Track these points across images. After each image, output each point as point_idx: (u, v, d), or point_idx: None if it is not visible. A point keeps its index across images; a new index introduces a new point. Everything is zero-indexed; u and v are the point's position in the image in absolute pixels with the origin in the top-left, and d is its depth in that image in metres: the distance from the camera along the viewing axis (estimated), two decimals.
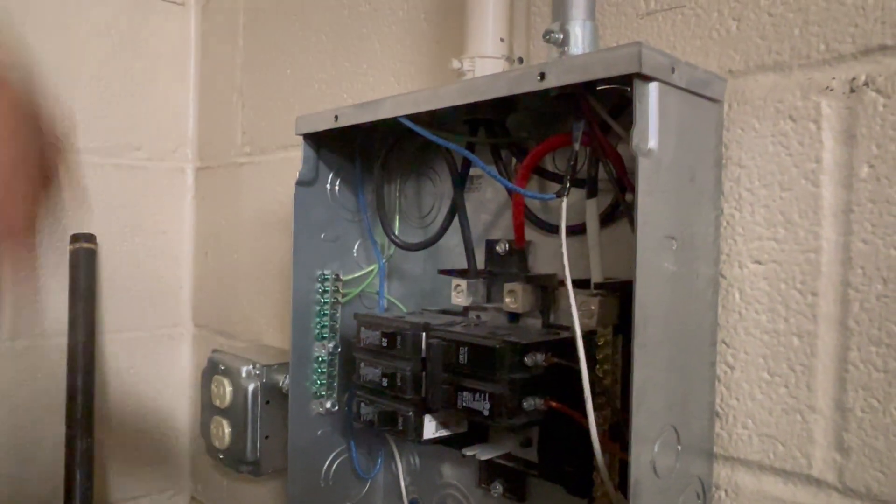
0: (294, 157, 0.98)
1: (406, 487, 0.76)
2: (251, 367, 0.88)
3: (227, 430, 0.89)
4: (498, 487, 0.65)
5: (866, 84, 0.45)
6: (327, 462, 0.74)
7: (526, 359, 0.53)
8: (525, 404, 0.53)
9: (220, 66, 1.16)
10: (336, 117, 0.65)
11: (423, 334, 0.59)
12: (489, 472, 0.66)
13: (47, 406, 1.06)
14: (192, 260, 1.22)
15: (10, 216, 0.39)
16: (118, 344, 1.14)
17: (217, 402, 0.90)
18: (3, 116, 0.40)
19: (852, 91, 0.46)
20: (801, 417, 0.48)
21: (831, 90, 0.47)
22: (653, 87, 0.43)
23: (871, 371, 0.45)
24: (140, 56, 1.16)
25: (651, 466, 0.45)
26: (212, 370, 0.93)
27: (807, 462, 0.48)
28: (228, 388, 0.89)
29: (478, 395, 0.54)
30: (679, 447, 0.47)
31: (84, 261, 1.05)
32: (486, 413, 0.54)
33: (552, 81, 0.47)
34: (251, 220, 1.08)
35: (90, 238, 1.07)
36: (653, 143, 0.43)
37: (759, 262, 0.50)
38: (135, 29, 1.16)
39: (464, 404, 0.55)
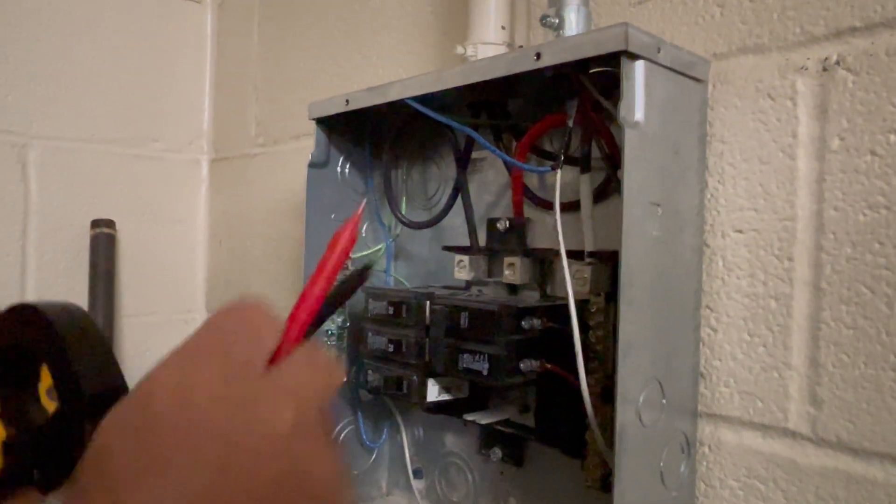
0: (305, 147, 1.02)
1: (410, 457, 0.79)
2: None
3: None
4: (497, 453, 0.69)
5: (837, 63, 0.49)
6: (335, 432, 0.77)
7: (523, 322, 0.57)
8: (522, 365, 0.57)
9: (235, 61, 1.21)
10: (347, 101, 0.69)
11: (427, 302, 0.63)
12: (488, 438, 0.70)
13: None
14: (207, 248, 1.27)
15: None
16: (135, 327, 1.19)
17: None
18: None
19: (825, 70, 0.49)
20: (778, 374, 0.51)
21: (806, 69, 0.50)
22: (639, 65, 0.47)
23: (842, 328, 0.48)
24: (160, 52, 1.21)
25: (636, 416, 0.48)
26: None
27: (783, 416, 0.51)
28: None
29: (478, 356, 0.58)
30: (664, 401, 0.51)
31: (104, 246, 1.10)
32: (485, 373, 0.57)
33: (547, 60, 0.51)
34: (264, 209, 1.12)
35: (110, 224, 1.11)
36: (639, 115, 0.47)
37: (740, 231, 0.54)
38: (155, 27, 1.21)
39: (464, 366, 0.59)
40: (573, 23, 0.55)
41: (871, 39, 0.47)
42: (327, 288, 0.34)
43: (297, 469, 0.27)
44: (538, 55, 0.51)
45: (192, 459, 0.25)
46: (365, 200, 0.37)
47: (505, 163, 0.66)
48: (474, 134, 0.60)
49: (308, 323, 0.33)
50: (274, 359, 0.31)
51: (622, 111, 0.47)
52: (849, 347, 0.48)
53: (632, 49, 0.46)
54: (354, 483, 0.78)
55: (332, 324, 0.75)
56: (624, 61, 0.47)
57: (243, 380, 0.28)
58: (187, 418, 0.26)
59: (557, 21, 0.55)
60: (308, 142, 1.01)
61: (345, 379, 0.32)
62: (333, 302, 0.35)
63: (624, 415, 0.47)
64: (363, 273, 0.37)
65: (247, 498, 0.26)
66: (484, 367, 0.57)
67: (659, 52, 0.49)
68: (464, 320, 0.59)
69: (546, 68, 0.51)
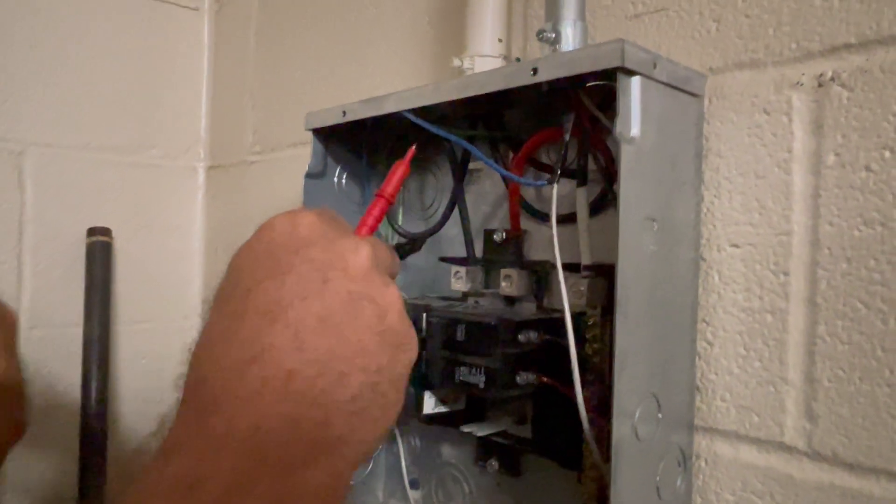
0: (302, 155, 1.02)
1: (407, 468, 0.79)
2: None
3: None
4: (493, 464, 0.69)
5: (832, 79, 0.49)
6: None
7: (520, 335, 0.57)
8: (518, 378, 0.57)
9: (232, 69, 1.21)
10: (344, 112, 0.69)
11: (424, 314, 0.63)
12: (485, 449, 0.70)
13: (63, 393, 1.10)
14: (203, 256, 1.27)
15: None
16: (131, 335, 1.18)
17: None
18: None
19: (820, 86, 0.50)
20: (774, 389, 0.51)
21: (801, 85, 0.51)
22: (635, 81, 0.47)
23: (837, 343, 0.48)
24: (156, 59, 1.21)
25: (632, 430, 0.48)
26: None
27: (779, 430, 0.51)
28: None
29: (474, 369, 0.58)
30: (660, 416, 0.51)
31: (100, 253, 1.09)
32: (481, 386, 0.57)
33: (544, 76, 0.51)
34: (261, 216, 1.11)
35: (106, 231, 1.11)
36: (635, 130, 0.47)
37: (736, 246, 0.54)
38: (151, 34, 1.21)
39: (461, 378, 0.59)
40: (570, 37, 0.55)
41: (865, 56, 0.47)
42: (387, 205, 0.44)
43: (372, 293, 0.35)
44: (535, 70, 0.51)
45: (305, 269, 0.34)
46: (415, 145, 0.45)
47: (502, 176, 0.66)
48: (471, 148, 0.60)
49: (374, 227, 0.44)
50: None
51: (618, 127, 0.47)
52: (844, 363, 0.48)
53: (628, 65, 0.47)
54: (351, 492, 0.78)
55: None
56: (620, 77, 0.47)
57: (337, 229, 0.37)
58: (296, 245, 0.35)
59: (554, 35, 0.55)
60: (304, 150, 1.01)
61: (399, 270, 0.43)
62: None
63: (620, 429, 0.47)
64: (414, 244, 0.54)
65: (338, 302, 0.33)
66: (480, 380, 0.57)
67: (655, 67, 0.49)
68: (460, 333, 0.59)
69: (542, 83, 0.51)
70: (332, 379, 0.32)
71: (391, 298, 0.35)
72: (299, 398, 0.31)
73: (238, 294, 0.34)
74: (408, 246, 0.51)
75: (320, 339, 0.32)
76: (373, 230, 0.43)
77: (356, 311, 0.34)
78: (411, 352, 0.36)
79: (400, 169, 0.45)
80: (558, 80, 0.51)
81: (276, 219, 0.37)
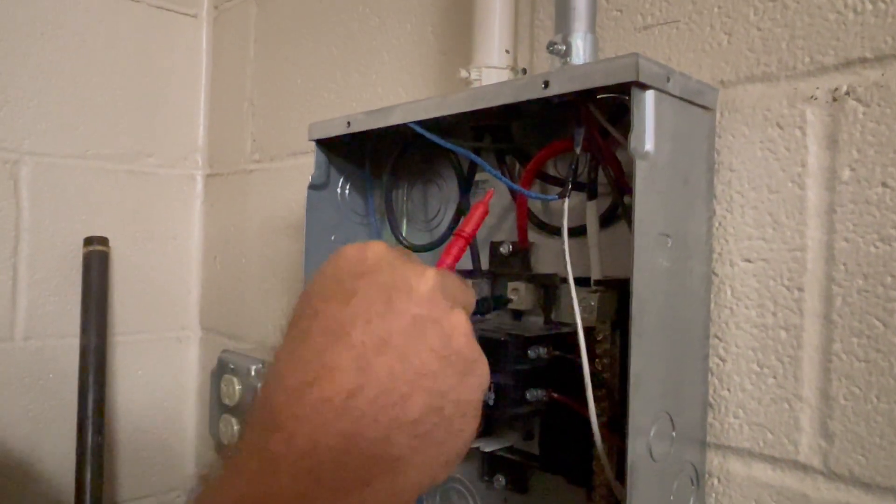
0: (302, 165, 1.01)
1: None
2: (260, 365, 0.90)
3: (236, 427, 0.92)
4: (500, 480, 0.68)
5: (847, 93, 0.48)
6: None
7: (529, 351, 0.56)
8: (528, 395, 0.56)
9: (231, 76, 1.20)
10: (349, 123, 0.68)
11: None
12: (492, 465, 0.69)
13: (59, 405, 1.09)
14: (202, 265, 1.25)
15: None
16: (128, 346, 1.17)
17: (226, 401, 0.93)
18: None
19: (834, 100, 0.49)
20: (789, 406, 0.51)
21: (815, 99, 0.50)
22: (649, 95, 0.47)
23: (853, 361, 0.48)
24: (154, 66, 1.20)
25: (647, 450, 0.47)
26: (221, 370, 0.95)
27: (794, 448, 0.50)
28: (238, 387, 0.91)
29: None
30: (674, 434, 0.50)
31: (97, 263, 1.08)
32: (490, 403, 0.56)
33: (555, 89, 0.50)
34: (260, 226, 1.11)
35: (103, 241, 1.10)
36: (649, 146, 0.47)
37: (748, 261, 0.53)
38: (149, 40, 1.19)
39: None
40: (580, 50, 0.55)
41: (881, 71, 0.47)
42: (465, 245, 0.44)
43: (435, 315, 0.35)
44: (546, 83, 0.50)
45: (359, 295, 0.35)
46: (491, 190, 0.45)
47: (510, 190, 0.65)
48: (479, 160, 0.59)
49: (454, 264, 0.44)
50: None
51: (633, 142, 0.46)
52: (861, 381, 0.47)
53: (642, 79, 0.46)
54: None
55: None
56: (634, 92, 0.47)
57: (404, 255, 0.38)
58: (361, 270, 0.36)
59: (564, 48, 0.54)
60: (305, 159, 1.00)
61: (474, 306, 0.41)
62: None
63: (635, 450, 0.46)
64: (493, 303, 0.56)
65: (399, 326, 0.34)
66: (490, 397, 0.56)
67: (668, 81, 0.48)
68: None
69: (553, 97, 0.51)
70: (393, 399, 0.32)
71: (457, 322, 0.35)
72: (358, 417, 0.31)
73: (305, 317, 0.35)
74: (486, 303, 0.55)
75: (382, 359, 0.32)
76: (451, 268, 0.43)
77: (420, 334, 0.34)
78: (481, 377, 0.36)
79: (479, 209, 0.45)
80: (570, 93, 0.50)
81: (347, 247, 0.38)
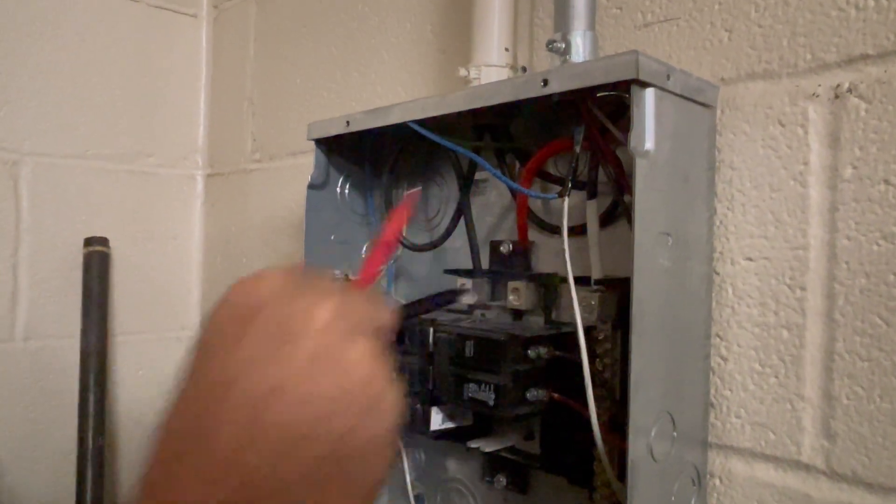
0: (303, 164, 1.01)
1: (411, 483, 0.78)
2: None
3: None
4: (501, 480, 0.68)
5: (849, 91, 0.48)
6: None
7: (529, 351, 0.56)
8: (528, 395, 0.56)
9: (231, 76, 1.20)
10: (348, 123, 0.68)
11: (431, 329, 0.62)
12: (492, 465, 0.69)
13: (60, 405, 1.08)
14: (202, 264, 1.25)
15: None
16: (129, 346, 1.17)
17: None
18: None
19: (836, 97, 0.49)
20: (791, 406, 0.50)
21: (817, 97, 0.50)
22: (649, 93, 0.46)
23: (856, 360, 0.47)
24: (153, 66, 1.20)
25: (648, 450, 0.47)
26: None
27: (796, 448, 0.50)
28: None
29: (483, 386, 0.57)
30: (675, 434, 0.50)
31: (97, 264, 1.08)
32: (491, 403, 0.56)
33: (555, 87, 0.50)
34: (260, 225, 1.11)
35: (103, 241, 1.10)
36: (649, 144, 0.46)
37: (750, 259, 0.53)
38: (148, 39, 1.19)
39: (470, 395, 0.58)
40: (580, 47, 0.54)
41: (884, 67, 0.46)
42: (386, 255, 0.42)
43: (333, 350, 0.32)
44: (545, 82, 0.50)
45: (248, 337, 0.32)
46: (420, 188, 0.42)
47: (511, 190, 0.65)
48: (479, 159, 0.59)
49: (371, 281, 0.41)
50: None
51: (633, 141, 0.46)
52: (863, 380, 0.47)
53: (642, 77, 0.46)
54: None
55: None
56: (634, 89, 0.46)
57: (302, 284, 0.34)
58: (251, 305, 0.33)
59: (564, 46, 0.54)
60: (305, 159, 1.00)
61: (393, 323, 0.38)
62: (415, 309, 0.45)
63: (636, 450, 0.46)
64: (451, 295, 0.48)
65: (293, 367, 0.31)
66: (490, 398, 0.56)
67: (669, 79, 0.48)
68: (469, 349, 0.58)
69: (553, 95, 0.50)
70: (288, 448, 0.30)
71: (358, 354, 0.33)
72: (250, 470, 0.29)
73: (196, 368, 0.33)
74: (413, 308, 0.48)
75: (274, 408, 0.30)
76: (373, 278, 0.41)
77: (316, 374, 0.31)
78: (388, 410, 0.33)
79: (400, 214, 0.44)
80: (569, 91, 0.50)
81: (239, 283, 0.35)
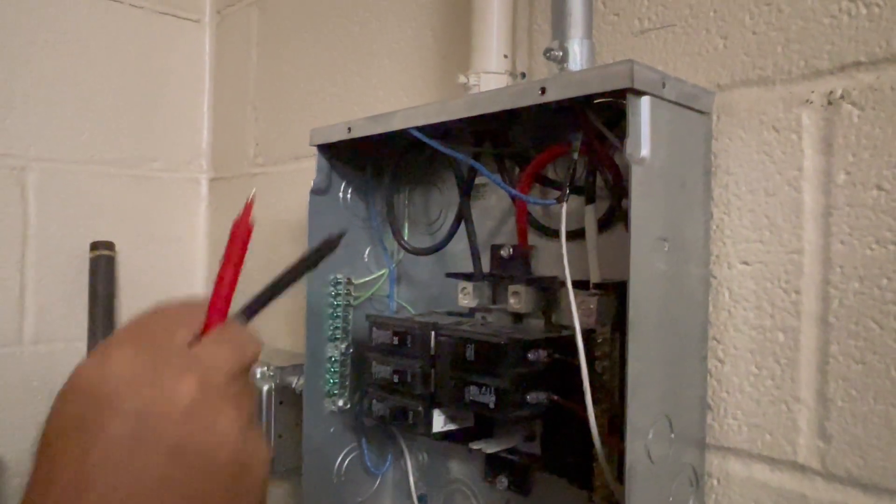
0: (305, 168, 1.02)
1: (415, 483, 0.79)
2: (265, 368, 0.91)
3: None
4: (503, 481, 0.69)
5: (842, 97, 0.49)
6: (339, 459, 0.77)
7: (529, 355, 0.57)
8: (529, 398, 0.57)
9: (234, 81, 1.21)
10: (349, 129, 0.68)
11: (432, 333, 0.63)
12: (494, 466, 0.70)
13: None
14: (207, 268, 1.26)
15: None
16: None
17: None
18: None
19: (830, 104, 0.49)
20: (787, 408, 0.51)
21: (811, 103, 0.50)
22: (644, 101, 0.47)
23: (850, 363, 0.48)
24: (157, 70, 1.21)
25: (646, 452, 0.48)
26: None
27: (792, 450, 0.51)
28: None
29: (484, 389, 0.58)
30: (672, 436, 0.51)
31: (103, 267, 1.09)
32: (492, 406, 0.57)
33: (552, 95, 0.50)
34: (264, 228, 1.12)
35: (109, 245, 1.11)
36: (645, 151, 0.47)
37: (746, 263, 0.53)
38: (152, 45, 1.20)
39: (471, 398, 0.58)
40: (577, 55, 0.55)
41: (876, 74, 0.47)
42: (235, 274, 0.39)
43: (200, 433, 0.30)
44: (543, 90, 0.51)
45: (113, 428, 0.29)
46: (254, 191, 0.38)
47: (510, 195, 0.66)
48: (479, 166, 0.60)
49: (223, 309, 0.38)
50: (197, 337, 0.35)
51: (628, 148, 0.47)
52: (857, 383, 0.48)
53: (637, 86, 0.46)
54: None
55: (336, 350, 0.75)
56: (630, 98, 0.47)
57: (154, 360, 0.31)
58: (106, 400, 0.29)
59: (561, 54, 0.55)
60: (308, 163, 1.01)
61: (258, 350, 0.37)
62: (298, 270, 0.44)
63: (633, 452, 0.47)
64: (333, 241, 0.46)
65: (153, 465, 0.29)
66: (491, 400, 0.57)
67: (664, 86, 0.49)
68: (470, 352, 0.59)
69: (550, 102, 0.51)
70: None
71: (223, 431, 0.31)
72: None
73: (43, 464, 0.29)
74: (325, 246, 0.46)
75: None
76: (225, 309, 0.38)
77: (180, 468, 0.29)
78: (258, 472, 0.32)
79: (239, 231, 0.40)
80: (566, 99, 0.50)
81: (81, 369, 0.31)
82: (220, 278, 0.39)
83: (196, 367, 0.32)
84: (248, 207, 0.41)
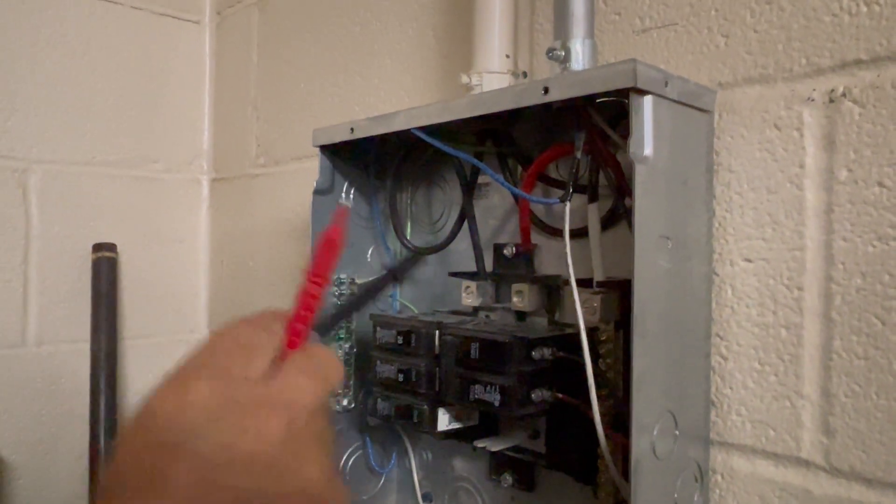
0: (307, 168, 1.02)
1: (419, 481, 0.79)
2: None
3: None
4: (507, 479, 0.69)
5: (844, 95, 0.49)
6: (344, 457, 0.77)
7: (533, 353, 0.57)
8: (533, 395, 0.57)
9: (235, 81, 1.21)
10: (352, 129, 0.69)
11: (437, 332, 0.63)
12: (499, 464, 0.70)
13: (71, 408, 1.10)
14: (209, 268, 1.27)
15: None
16: (138, 349, 1.18)
17: None
18: None
19: (831, 101, 0.50)
20: (790, 403, 0.51)
21: (812, 101, 0.51)
22: (647, 100, 0.48)
23: (853, 359, 0.49)
24: (157, 72, 1.21)
25: (651, 448, 0.48)
26: None
27: (796, 445, 0.51)
28: None
29: (489, 387, 0.58)
30: (677, 432, 0.51)
31: (106, 269, 1.09)
32: (496, 404, 0.57)
33: (555, 95, 0.51)
34: (265, 229, 1.12)
35: (111, 247, 1.11)
36: (648, 150, 0.47)
37: (749, 260, 0.54)
38: (152, 46, 1.21)
39: (476, 396, 0.59)
40: (579, 55, 0.55)
41: (877, 72, 0.47)
42: (321, 291, 0.35)
43: (286, 478, 0.28)
44: (546, 90, 0.51)
45: (187, 475, 0.26)
46: (343, 201, 0.37)
47: (513, 194, 0.66)
48: (481, 165, 0.60)
49: (305, 329, 0.34)
50: (276, 362, 0.32)
51: (632, 147, 0.47)
52: (860, 378, 0.48)
53: (640, 85, 0.47)
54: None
55: (340, 350, 0.75)
56: (633, 97, 0.47)
57: (236, 394, 0.29)
58: (184, 436, 0.27)
59: (563, 54, 0.55)
60: (310, 163, 1.01)
61: (341, 378, 0.34)
62: (357, 302, 0.37)
63: (638, 448, 0.47)
64: (392, 276, 0.42)
65: None
66: (496, 399, 0.57)
67: (667, 85, 0.49)
68: (474, 351, 0.59)
69: (553, 102, 0.51)
70: None
71: (310, 475, 0.29)
72: None
73: None
74: (385, 281, 0.40)
75: None
76: (306, 330, 0.34)
77: None
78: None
79: (333, 243, 0.36)
80: (569, 99, 0.51)
81: (157, 395, 0.29)
82: (303, 294, 0.35)
83: (281, 405, 0.29)
84: (340, 215, 0.36)
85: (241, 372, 0.30)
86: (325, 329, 0.37)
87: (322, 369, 0.33)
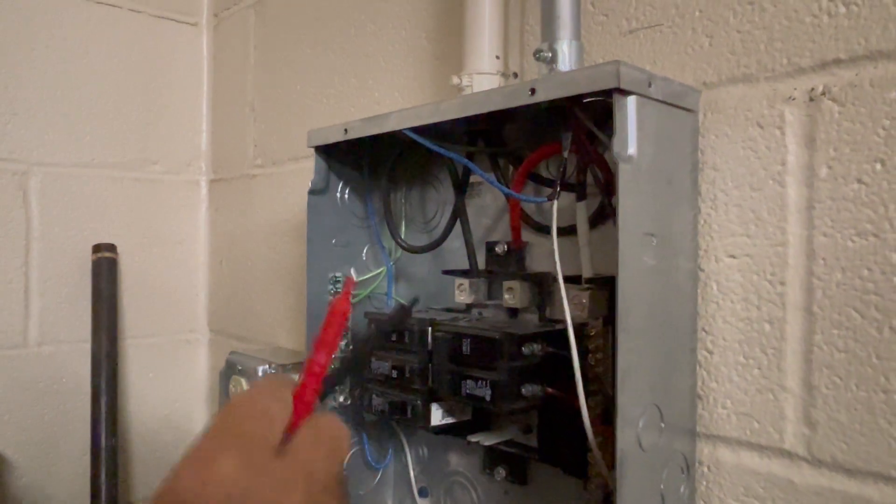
0: (304, 169, 1.03)
1: (415, 476, 0.81)
2: (267, 366, 0.92)
3: None
4: (501, 472, 0.70)
5: (823, 94, 0.50)
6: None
7: (523, 348, 0.58)
8: (524, 390, 0.58)
9: (232, 83, 1.22)
10: (346, 130, 0.70)
11: (429, 329, 0.64)
12: (492, 458, 0.71)
13: (73, 408, 1.12)
14: (208, 268, 1.28)
15: None
16: (138, 349, 1.20)
17: None
18: None
19: (811, 100, 0.51)
20: (774, 396, 0.53)
21: (793, 100, 0.52)
22: (631, 101, 0.49)
23: (834, 352, 0.50)
24: (156, 74, 1.23)
25: (636, 440, 0.49)
26: (229, 371, 0.98)
27: (779, 437, 0.52)
28: (246, 387, 0.94)
29: (480, 382, 0.59)
30: (662, 425, 0.52)
31: (106, 269, 1.11)
32: (488, 399, 0.58)
33: (541, 96, 0.52)
34: (264, 228, 1.14)
35: (111, 248, 1.12)
36: (632, 150, 0.49)
37: (733, 256, 0.55)
38: (150, 49, 1.22)
39: (467, 391, 0.60)
40: (566, 56, 0.57)
41: (855, 71, 0.49)
42: (328, 360, 0.37)
43: None
44: (533, 90, 0.52)
45: None
46: (353, 272, 0.39)
47: (503, 193, 0.67)
48: (472, 165, 0.61)
49: (314, 398, 0.36)
50: (287, 433, 0.33)
51: (616, 146, 0.48)
52: (841, 370, 0.49)
53: (624, 86, 0.48)
54: (361, 502, 0.80)
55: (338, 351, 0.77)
56: (616, 98, 0.48)
57: (255, 466, 0.30)
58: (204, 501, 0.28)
59: (550, 55, 0.56)
60: (306, 164, 1.03)
61: (350, 445, 0.37)
62: (371, 342, 0.39)
63: (624, 440, 0.48)
64: (407, 310, 0.44)
65: None
66: (487, 393, 0.58)
67: (650, 86, 0.50)
68: (466, 347, 0.60)
69: (540, 102, 0.53)
70: None
71: None
72: None
73: None
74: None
75: None
76: (313, 397, 0.36)
77: None
78: None
79: (340, 314, 0.37)
80: (556, 99, 0.52)
81: (183, 465, 0.30)
82: (311, 363, 0.36)
83: (300, 480, 0.30)
84: (348, 286, 0.39)
85: (256, 440, 0.31)
86: (331, 386, 0.39)
87: (334, 436, 0.34)
